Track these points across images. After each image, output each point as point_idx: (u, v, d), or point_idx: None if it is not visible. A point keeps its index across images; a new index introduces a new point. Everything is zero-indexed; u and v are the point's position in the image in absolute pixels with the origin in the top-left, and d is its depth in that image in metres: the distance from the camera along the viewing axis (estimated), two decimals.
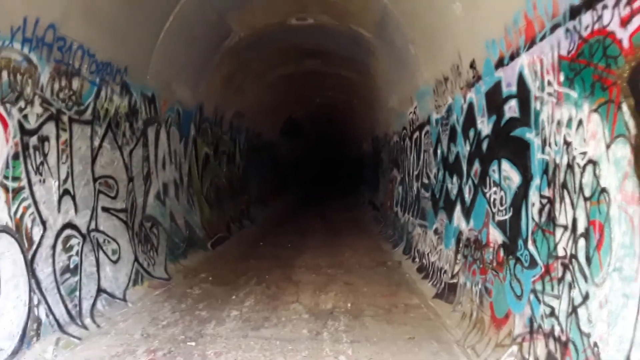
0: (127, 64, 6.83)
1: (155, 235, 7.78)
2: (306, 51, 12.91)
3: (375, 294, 6.74)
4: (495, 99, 4.90)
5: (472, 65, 5.53)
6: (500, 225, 4.68)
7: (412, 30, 7.42)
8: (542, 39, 3.84)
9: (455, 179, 6.38)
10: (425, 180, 8.34)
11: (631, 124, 2.73)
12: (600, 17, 3.04)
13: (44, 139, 5.11)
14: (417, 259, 8.15)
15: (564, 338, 3.30)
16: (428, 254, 7.41)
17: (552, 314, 3.50)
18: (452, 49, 6.05)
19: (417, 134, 9.25)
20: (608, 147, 2.96)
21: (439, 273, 6.58)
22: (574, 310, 3.22)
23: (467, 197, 5.77)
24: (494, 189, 4.91)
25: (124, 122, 6.92)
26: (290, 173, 24.51)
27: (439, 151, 7.37)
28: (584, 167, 3.23)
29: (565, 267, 3.38)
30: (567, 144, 3.45)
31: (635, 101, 2.70)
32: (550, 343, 3.46)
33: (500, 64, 4.73)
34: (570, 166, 3.41)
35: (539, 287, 3.76)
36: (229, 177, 13.45)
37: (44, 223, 5.03)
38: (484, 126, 5.26)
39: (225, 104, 12.42)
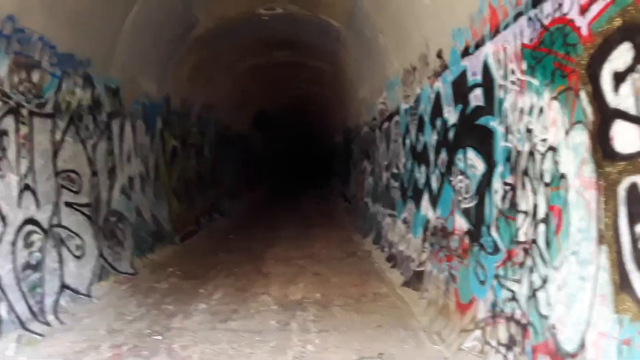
0: (89, 56, 6.66)
1: (121, 230, 7.63)
2: (276, 42, 12.80)
3: (344, 284, 6.75)
4: (461, 88, 4.93)
5: (440, 55, 5.56)
6: (466, 212, 4.73)
7: (381, 20, 7.42)
8: (505, 27, 3.88)
9: (423, 168, 6.42)
10: (395, 170, 8.38)
11: (589, 110, 2.78)
12: (560, 5, 3.08)
13: (2, 133, 4.95)
14: (386, 249, 8.20)
15: (524, 321, 3.36)
16: (397, 243, 7.46)
17: (513, 298, 3.56)
18: (420, 38, 6.08)
19: (386, 124, 9.27)
20: (567, 133, 3.01)
21: (406, 261, 6.63)
22: (533, 293, 3.28)
23: (434, 186, 5.82)
24: (460, 177, 4.95)
25: (87, 115, 6.75)
26: (263, 166, 24.38)
27: (407, 141, 7.41)
28: (544, 154, 3.28)
29: (526, 252, 3.44)
30: (529, 131, 3.50)
31: (593, 88, 2.74)
32: (512, 326, 3.52)
33: (466, 53, 4.76)
34: (531, 153, 3.46)
35: (501, 272, 3.82)
36: (198, 170, 13.28)
37: (3, 219, 4.88)
38: (451, 115, 5.30)
39: (193, 96, 12.25)
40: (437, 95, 5.76)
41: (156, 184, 9.60)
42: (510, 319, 3.55)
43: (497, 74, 4.08)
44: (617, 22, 2.53)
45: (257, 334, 4.90)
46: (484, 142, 4.35)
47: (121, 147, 7.95)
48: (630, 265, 2.36)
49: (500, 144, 3.99)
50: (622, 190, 2.47)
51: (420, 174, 6.54)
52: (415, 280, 6.02)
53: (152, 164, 9.48)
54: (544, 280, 3.15)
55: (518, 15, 3.66)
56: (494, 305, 3.87)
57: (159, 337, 4.83)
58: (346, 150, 17.20)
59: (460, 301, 4.58)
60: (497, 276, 3.88)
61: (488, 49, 4.23)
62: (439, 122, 5.72)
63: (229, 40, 11.61)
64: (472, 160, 4.64)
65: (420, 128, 6.57)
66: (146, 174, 9.10)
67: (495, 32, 4.06)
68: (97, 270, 6.52)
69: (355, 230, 11.59)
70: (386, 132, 9.33)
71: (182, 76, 10.90)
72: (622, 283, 2.41)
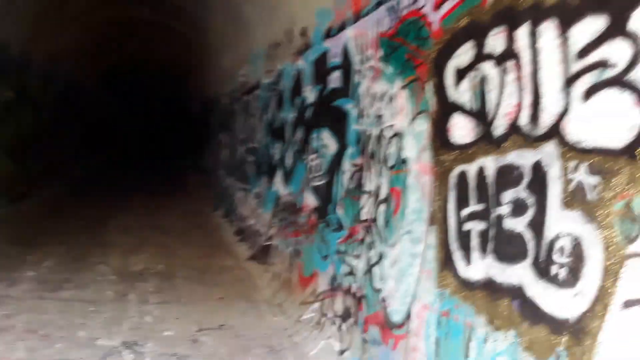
0: None
1: None
2: None
3: (190, 256, 6.63)
4: (322, 69, 5.02)
5: (304, 33, 5.60)
6: (316, 190, 4.87)
7: None
8: (367, 14, 4.01)
9: (278, 145, 6.47)
10: (251, 145, 8.34)
11: (432, 102, 2.99)
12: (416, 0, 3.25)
13: None
14: (235, 222, 8.18)
15: (359, 294, 3.57)
16: (247, 217, 7.48)
17: (351, 272, 3.75)
18: (287, 14, 6.07)
19: (246, 97, 9.17)
20: (412, 121, 3.21)
21: (255, 236, 6.68)
22: (369, 269, 3.49)
23: (289, 162, 5.90)
24: (313, 155, 5.07)
25: None
26: (114, 130, 22.84)
27: (265, 116, 7.40)
28: (390, 139, 3.47)
29: (367, 230, 3.64)
30: (379, 116, 3.67)
31: (437, 81, 2.95)
32: (348, 299, 3.72)
33: (328, 34, 4.84)
34: (379, 138, 3.64)
35: (342, 248, 4.00)
36: (36, 128, 12.01)
37: None
38: (310, 94, 5.38)
39: (37, 46, 11.00)
40: (299, 74, 5.81)
41: None
42: (347, 292, 3.74)
43: (355, 58, 4.21)
44: (464, 21, 2.74)
45: (90, 304, 4.64)
46: (338, 123, 4.48)
47: None
48: (454, 245, 2.59)
49: (353, 126, 4.15)
50: (452, 177, 2.70)
51: (275, 150, 6.59)
52: (262, 254, 6.09)
53: None
54: (380, 257, 3.36)
55: (379, 3, 3.79)
56: (333, 279, 4.05)
57: None
58: (204, 121, 16.75)
59: (303, 275, 4.73)
60: (338, 252, 4.06)
61: (349, 32, 4.35)
62: (298, 100, 5.78)
63: None
64: (326, 140, 4.77)
65: (280, 104, 6.60)
66: None
67: (357, 17, 4.18)
68: None
69: (207, 202, 11.40)
70: (245, 105, 9.24)
71: (24, 22, 9.73)
72: (445, 260, 2.65)
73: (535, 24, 2.22)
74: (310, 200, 4.97)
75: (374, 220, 3.54)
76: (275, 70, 6.96)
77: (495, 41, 2.47)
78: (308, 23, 5.44)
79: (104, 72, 18.50)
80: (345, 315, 3.68)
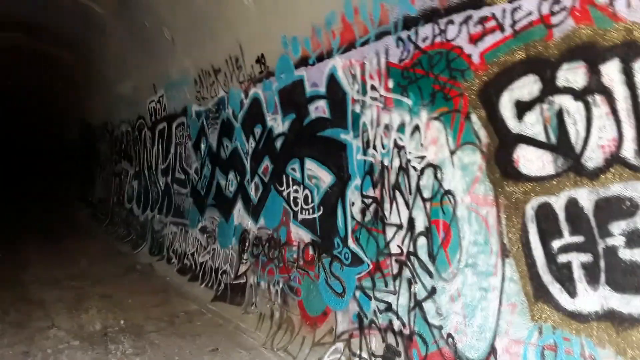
0: None
1: None
2: (6, 21, 10.69)
3: (143, 304, 6.03)
4: (294, 98, 4.86)
5: (260, 61, 5.38)
6: (306, 223, 4.69)
7: (172, 14, 6.82)
8: (364, 44, 3.95)
9: (232, 175, 6.15)
10: (180, 176, 7.84)
11: (482, 133, 3.02)
12: (443, 31, 3.26)
13: None
14: (174, 260, 7.63)
15: (406, 332, 3.49)
16: (193, 254, 7.00)
17: (388, 309, 3.66)
18: (231, 40, 5.78)
19: (163, 125, 8.62)
20: (453, 153, 3.22)
21: (214, 274, 6.28)
22: (417, 304, 3.43)
23: (253, 194, 5.63)
24: (295, 187, 4.89)
25: None
26: None
27: (203, 145, 7.00)
28: (421, 171, 3.45)
29: (402, 264, 3.58)
30: (399, 147, 3.63)
31: (489, 112, 2.98)
32: (389, 337, 3.63)
33: (303, 62, 4.70)
34: (403, 169, 3.60)
35: (367, 284, 3.89)
36: None
37: None
38: (277, 124, 5.19)
39: None
40: (255, 102, 5.57)
41: None
42: (387, 330, 3.64)
43: (350, 88, 4.12)
44: (519, 55, 2.80)
45: None
46: (331, 154, 4.37)
47: None
48: (547, 277, 2.64)
49: (357, 157, 4.06)
50: (530, 208, 2.74)
51: (227, 182, 6.25)
52: (232, 293, 5.73)
53: None
54: (431, 292, 3.32)
55: (382, 34, 3.76)
56: (359, 317, 3.92)
57: None
58: (86, 149, 15.41)
59: (308, 314, 4.52)
60: (361, 287, 3.94)
61: (337, 62, 4.25)
62: (258, 130, 5.54)
63: None
64: (314, 171, 4.62)
65: (226, 133, 6.28)
66: None
67: (349, 46, 4.10)
68: None
69: (117, 239, 10.50)
70: (162, 133, 8.67)
71: None
72: (537, 293, 2.68)
73: (628, 60, 2.34)
74: (300, 234, 4.77)
75: (413, 253, 3.49)
76: (213, 98, 6.62)
77: (571, 75, 2.56)
78: (268, 50, 5.24)
79: None
80: (390, 355, 3.58)
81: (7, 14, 10.07)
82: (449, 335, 3.17)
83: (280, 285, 4.97)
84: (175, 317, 5.60)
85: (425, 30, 3.39)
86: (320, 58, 4.48)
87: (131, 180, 10.66)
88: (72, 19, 9.69)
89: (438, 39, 3.31)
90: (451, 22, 3.20)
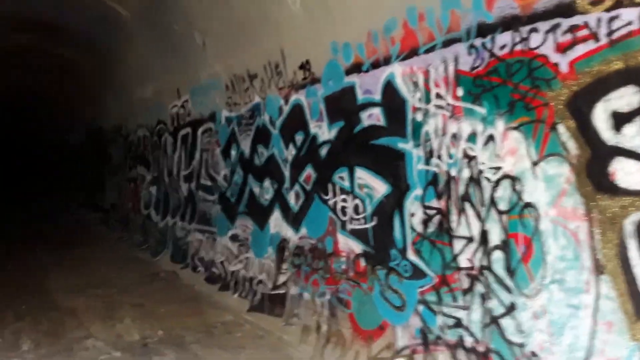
0: None
1: None
2: (22, 21, 10.56)
3: (176, 314, 5.89)
4: (343, 105, 4.76)
5: (305, 67, 5.29)
6: (357, 233, 4.57)
7: (207, 19, 6.72)
8: (428, 51, 3.85)
9: (268, 183, 6.03)
10: (207, 182, 7.71)
11: (571, 144, 2.92)
12: (525, 39, 3.17)
13: None
14: (200, 268, 7.50)
15: (481, 349, 3.38)
16: (223, 263, 6.87)
17: (458, 325, 3.55)
18: (272, 45, 5.68)
19: (187, 130, 8.50)
20: (535, 164, 3.12)
21: (249, 284, 6.14)
22: (493, 321, 3.31)
23: (293, 203, 5.51)
24: (343, 196, 4.78)
25: None
26: None
27: (233, 152, 6.88)
28: (497, 182, 3.35)
29: (474, 278, 3.47)
30: (470, 157, 3.53)
31: (579, 123, 2.89)
32: (459, 354, 3.51)
33: (355, 69, 4.60)
34: (474, 179, 3.50)
35: (431, 298, 3.78)
36: None
37: None
38: (322, 131, 5.08)
39: None
40: (297, 109, 5.47)
41: None
42: (457, 346, 3.53)
43: (410, 95, 4.03)
44: (617, 64, 2.71)
45: None
46: (386, 162, 4.27)
47: None
48: None
49: (418, 167, 3.95)
50: (629, 224, 2.64)
51: (262, 189, 6.13)
52: (271, 304, 5.60)
53: None
54: (510, 308, 3.21)
55: (451, 41, 3.66)
56: (423, 332, 3.80)
57: None
58: (96, 153, 15.25)
59: (360, 327, 4.40)
60: (424, 301, 3.82)
61: (395, 69, 4.16)
62: (299, 137, 5.43)
63: None
64: (365, 180, 4.51)
65: (261, 140, 6.17)
66: None
67: (411, 53, 4.01)
68: None
69: (134, 246, 10.35)
70: (186, 138, 8.56)
71: None
72: (638, 312, 2.58)
73: None
74: (349, 244, 4.66)
75: (486, 267, 3.38)
76: (246, 104, 6.51)
77: None
78: (314, 56, 5.15)
79: None
80: None
81: (22, 14, 9.95)
82: (533, 353, 3.06)
83: (327, 297, 4.85)
84: (212, 327, 5.46)
85: (504, 37, 3.30)
86: (376, 65, 4.38)
87: (148, 186, 10.52)
88: (93, 21, 9.59)
89: (518, 47, 3.21)
90: (535, 30, 3.11)
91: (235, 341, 5.05)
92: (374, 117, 4.44)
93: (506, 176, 3.29)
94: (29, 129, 22.74)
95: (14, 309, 5.85)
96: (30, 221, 15.06)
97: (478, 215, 3.47)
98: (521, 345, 3.13)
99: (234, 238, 6.76)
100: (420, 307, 3.86)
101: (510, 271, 3.24)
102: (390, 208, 4.23)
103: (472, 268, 3.49)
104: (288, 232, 5.59)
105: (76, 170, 18.02)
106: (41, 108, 19.56)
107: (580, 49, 2.88)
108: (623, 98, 2.69)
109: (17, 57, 12.98)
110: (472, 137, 3.52)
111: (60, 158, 20.45)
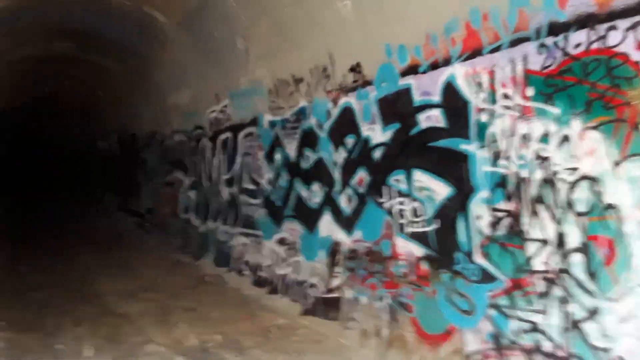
0: None
1: None
2: (61, 31, 10.74)
3: (230, 318, 5.92)
4: (399, 107, 4.72)
5: (355, 69, 5.26)
6: (417, 237, 4.53)
7: (250, 24, 6.74)
8: (493, 50, 3.80)
9: (316, 186, 6.02)
10: (249, 186, 7.73)
11: None
12: (602, 37, 3.10)
13: None
14: (246, 272, 7.52)
15: (561, 353, 3.31)
16: (271, 267, 6.88)
17: (534, 329, 3.49)
18: (320, 48, 5.67)
19: (227, 135, 8.53)
20: (617, 164, 3.04)
21: (300, 287, 6.14)
22: (574, 325, 3.25)
23: (345, 206, 5.49)
24: (400, 199, 4.74)
25: None
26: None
27: (277, 156, 6.89)
28: (574, 183, 3.28)
29: (551, 281, 3.40)
30: (542, 158, 3.47)
31: None
32: (537, 358, 3.45)
33: (411, 71, 4.56)
34: (548, 181, 3.43)
35: (503, 302, 3.72)
36: None
37: None
38: (375, 133, 5.05)
39: None
40: (347, 112, 5.45)
41: None
42: (533, 351, 3.47)
43: (473, 96, 3.98)
44: None
45: None
46: (448, 164, 4.22)
47: None
48: None
49: (483, 169, 3.90)
50: None
51: (311, 193, 6.12)
52: (325, 308, 5.59)
53: None
54: (593, 312, 3.14)
55: (519, 40, 3.61)
56: (495, 336, 3.75)
57: None
58: (129, 159, 15.41)
59: (425, 332, 4.37)
60: (495, 306, 3.77)
61: (456, 69, 4.11)
62: (350, 140, 5.41)
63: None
64: (425, 183, 4.47)
65: (308, 143, 6.16)
66: None
67: (473, 53, 3.96)
68: None
69: (174, 250, 10.43)
70: (226, 143, 8.59)
71: None
72: None
73: None
74: (409, 248, 4.62)
75: (564, 270, 3.31)
76: (291, 108, 6.51)
77: None
78: (365, 59, 5.13)
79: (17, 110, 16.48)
80: None
81: (65, 24, 10.12)
82: (620, 358, 2.99)
83: (387, 300, 4.81)
84: (267, 331, 5.48)
85: (578, 36, 3.23)
86: (435, 66, 4.34)
87: (187, 190, 10.59)
88: (130, 28, 9.68)
89: (595, 46, 3.14)
90: (613, 27, 3.03)
91: (294, 345, 5.05)
92: (432, 118, 4.40)
93: (584, 177, 3.23)
94: (61, 134, 23.13)
95: (71, 315, 5.93)
96: (65, 224, 15.29)
97: (553, 217, 3.40)
98: (606, 350, 3.06)
99: (281, 242, 6.76)
100: (491, 312, 3.80)
101: (591, 274, 3.17)
102: (453, 210, 4.19)
103: (548, 271, 3.42)
104: (340, 235, 5.57)
105: (108, 175, 18.23)
106: (73, 114, 19.87)
107: None
108: None
109: (57, 65, 13.21)
110: (544, 138, 3.46)
111: (92, 163, 20.75)
